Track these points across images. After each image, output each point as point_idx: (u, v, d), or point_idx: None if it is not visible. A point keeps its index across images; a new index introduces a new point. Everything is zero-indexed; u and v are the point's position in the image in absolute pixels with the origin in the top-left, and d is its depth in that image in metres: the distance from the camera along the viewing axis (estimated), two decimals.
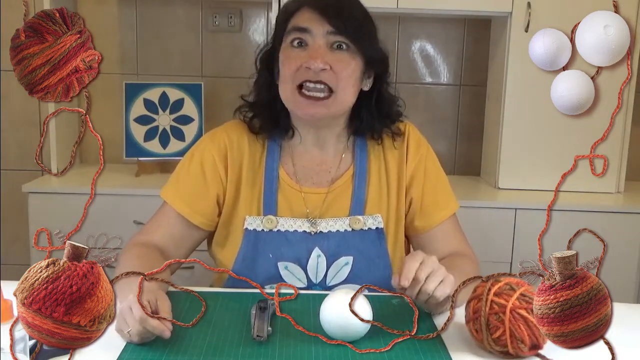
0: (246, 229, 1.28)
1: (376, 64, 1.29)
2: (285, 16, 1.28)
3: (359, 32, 1.24)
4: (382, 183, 1.33)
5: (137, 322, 0.96)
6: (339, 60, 1.22)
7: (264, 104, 1.32)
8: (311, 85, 1.22)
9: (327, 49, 1.23)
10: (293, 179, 1.32)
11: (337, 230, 1.28)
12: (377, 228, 1.30)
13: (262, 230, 1.28)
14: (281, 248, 1.27)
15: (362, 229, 1.29)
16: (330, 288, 1.28)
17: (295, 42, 1.24)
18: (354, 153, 1.35)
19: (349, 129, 1.35)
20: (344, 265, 1.28)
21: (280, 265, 1.27)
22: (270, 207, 1.29)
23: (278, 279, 1.27)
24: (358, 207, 1.30)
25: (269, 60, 1.31)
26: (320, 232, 1.28)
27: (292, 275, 1.28)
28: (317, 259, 1.27)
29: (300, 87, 1.23)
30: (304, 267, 1.28)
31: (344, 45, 1.23)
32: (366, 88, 1.31)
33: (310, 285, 1.28)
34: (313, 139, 1.34)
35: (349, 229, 1.28)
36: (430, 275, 1.05)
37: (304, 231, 1.28)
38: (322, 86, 1.22)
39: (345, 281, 1.29)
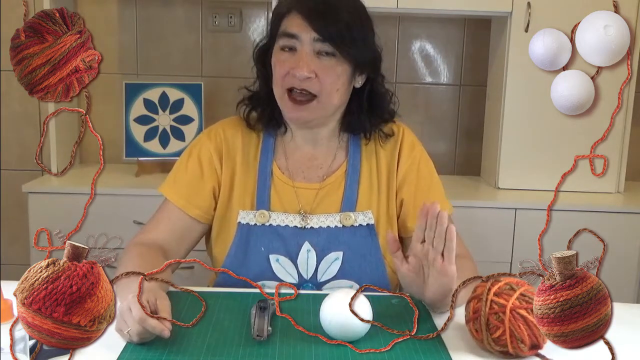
0: (239, 222, 1.30)
1: (366, 66, 1.30)
2: (277, 17, 1.31)
3: (346, 37, 1.24)
4: (373, 181, 1.35)
5: (136, 322, 0.96)
6: (324, 67, 1.25)
7: (262, 96, 1.35)
8: (297, 91, 1.26)
9: (313, 56, 1.25)
10: (285, 173, 1.34)
11: (328, 226, 1.30)
12: (367, 224, 1.31)
13: (255, 224, 1.29)
14: (273, 242, 1.29)
15: (352, 225, 1.30)
16: (322, 284, 1.29)
17: (285, 47, 1.27)
18: (347, 150, 1.36)
19: (342, 126, 1.37)
20: (334, 260, 1.29)
21: (272, 257, 1.29)
22: (263, 201, 1.31)
23: (270, 272, 1.28)
24: (349, 203, 1.32)
25: (264, 54, 1.34)
26: (311, 227, 1.30)
27: (283, 269, 1.29)
28: (307, 254, 1.29)
29: (288, 90, 1.27)
30: (294, 261, 1.29)
31: (330, 53, 1.25)
32: (358, 85, 1.33)
33: (302, 281, 1.29)
34: (305, 137, 1.36)
35: (340, 225, 1.30)
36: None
37: (295, 226, 1.30)
38: (306, 93, 1.26)
39: (336, 277, 1.29)
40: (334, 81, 1.26)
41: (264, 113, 1.35)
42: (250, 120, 1.37)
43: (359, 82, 1.32)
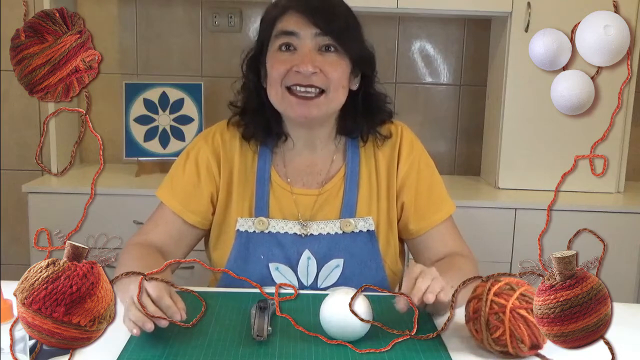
0: (238, 230, 1.29)
1: (363, 63, 1.29)
2: (270, 20, 1.27)
3: (346, 33, 1.25)
4: (372, 185, 1.33)
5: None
6: (329, 62, 1.23)
7: (254, 110, 1.32)
8: (302, 89, 1.23)
9: (315, 52, 1.23)
10: (284, 179, 1.33)
11: (328, 233, 1.28)
12: (368, 230, 1.29)
13: (254, 231, 1.28)
14: (272, 250, 1.28)
15: (353, 232, 1.29)
16: (322, 291, 1.28)
17: (283, 46, 1.25)
18: (345, 155, 1.34)
19: (338, 129, 1.34)
20: (335, 267, 1.28)
21: (272, 266, 1.27)
22: (261, 208, 1.29)
23: (269, 281, 1.27)
24: (349, 209, 1.30)
25: (255, 64, 1.31)
26: (311, 234, 1.28)
27: (283, 277, 1.28)
28: (307, 262, 1.28)
29: (289, 89, 1.24)
30: (294, 269, 1.28)
31: (332, 47, 1.24)
32: (354, 87, 1.31)
33: (302, 287, 1.28)
34: (304, 141, 1.33)
35: (340, 232, 1.28)
36: (429, 286, 1.04)
37: (295, 233, 1.28)
38: (313, 89, 1.23)
39: (337, 284, 1.28)
40: (340, 76, 1.24)
41: (258, 128, 1.32)
42: (245, 135, 1.33)
43: (354, 84, 1.31)
